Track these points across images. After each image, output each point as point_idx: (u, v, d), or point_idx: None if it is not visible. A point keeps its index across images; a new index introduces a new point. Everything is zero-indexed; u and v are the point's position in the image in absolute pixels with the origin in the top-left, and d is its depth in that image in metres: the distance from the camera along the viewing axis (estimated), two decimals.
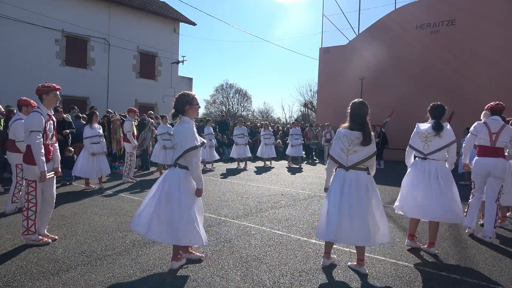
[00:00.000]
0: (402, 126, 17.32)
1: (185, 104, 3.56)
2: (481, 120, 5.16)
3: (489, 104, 5.15)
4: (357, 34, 21.03)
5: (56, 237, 4.37)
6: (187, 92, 3.67)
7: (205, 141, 3.78)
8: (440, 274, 3.66)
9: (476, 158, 5.06)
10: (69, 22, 16.75)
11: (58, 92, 4.20)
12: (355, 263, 3.72)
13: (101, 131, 7.91)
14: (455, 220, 4.22)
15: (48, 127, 4.12)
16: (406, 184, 4.44)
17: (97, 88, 18.10)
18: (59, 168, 4.38)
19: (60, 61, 17.01)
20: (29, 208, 4.03)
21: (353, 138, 3.64)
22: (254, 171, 11.99)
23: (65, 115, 9.57)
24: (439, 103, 4.42)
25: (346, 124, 3.75)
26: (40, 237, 4.18)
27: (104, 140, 8.05)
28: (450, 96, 14.89)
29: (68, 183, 8.29)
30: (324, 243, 3.90)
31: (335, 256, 3.94)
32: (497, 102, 5.08)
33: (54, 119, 4.32)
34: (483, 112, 5.30)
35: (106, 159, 8.15)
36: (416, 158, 4.47)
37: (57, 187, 7.66)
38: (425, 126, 4.41)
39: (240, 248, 4.21)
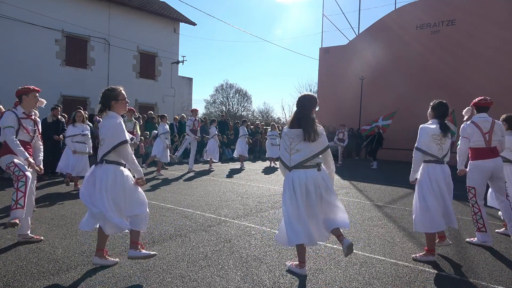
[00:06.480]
0: (401, 126, 17.34)
1: (110, 99, 3.50)
2: (464, 117, 4.81)
3: (477, 100, 4.74)
4: (357, 34, 21.04)
5: (42, 237, 4.28)
6: (113, 87, 3.58)
7: (132, 137, 3.74)
8: (440, 274, 3.66)
9: (472, 162, 4.70)
10: (69, 22, 16.76)
11: (37, 94, 4.27)
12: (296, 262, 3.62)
13: (87, 131, 7.74)
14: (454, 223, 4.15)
15: (25, 125, 4.19)
16: (427, 195, 3.98)
17: (97, 88, 17.66)
18: (41, 165, 4.42)
19: (60, 61, 17.02)
20: (18, 179, 3.98)
21: (293, 137, 3.49)
22: (254, 171, 12.00)
23: (60, 116, 9.56)
24: (443, 100, 4.10)
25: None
26: (30, 234, 4.19)
27: (90, 141, 7.83)
28: (449, 96, 14.74)
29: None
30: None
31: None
32: (483, 97, 4.73)
33: (37, 119, 4.38)
34: (466, 108, 4.80)
35: (88, 161, 7.77)
36: (428, 163, 4.06)
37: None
38: (433, 126, 4.03)
39: (240, 248, 4.21)
